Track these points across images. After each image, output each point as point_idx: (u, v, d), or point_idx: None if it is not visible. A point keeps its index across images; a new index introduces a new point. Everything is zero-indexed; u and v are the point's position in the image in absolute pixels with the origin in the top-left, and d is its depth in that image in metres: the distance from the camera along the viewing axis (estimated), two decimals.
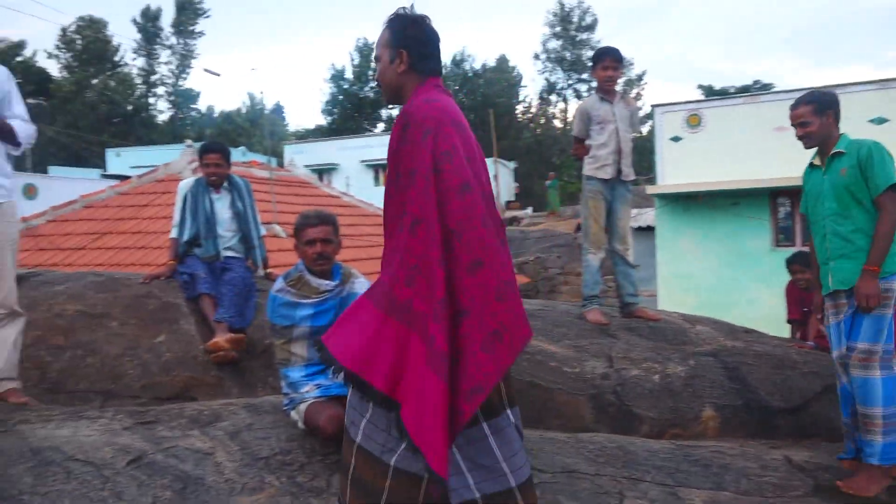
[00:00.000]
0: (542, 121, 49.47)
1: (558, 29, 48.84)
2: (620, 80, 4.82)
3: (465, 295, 1.93)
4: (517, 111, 49.69)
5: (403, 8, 2.32)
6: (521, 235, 21.95)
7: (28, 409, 3.20)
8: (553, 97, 51.20)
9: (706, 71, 76.74)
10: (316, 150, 35.08)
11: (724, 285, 12.03)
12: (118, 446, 2.71)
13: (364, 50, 50.10)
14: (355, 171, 33.02)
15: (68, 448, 2.62)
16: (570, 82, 49.97)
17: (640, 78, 47.60)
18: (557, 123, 50.32)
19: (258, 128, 46.07)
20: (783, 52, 75.69)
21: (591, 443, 3.35)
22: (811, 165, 3.47)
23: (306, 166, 28.90)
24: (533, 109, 51.00)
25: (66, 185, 15.90)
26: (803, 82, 50.25)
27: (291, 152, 33.78)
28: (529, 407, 3.75)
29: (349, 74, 50.53)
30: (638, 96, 45.96)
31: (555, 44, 49.20)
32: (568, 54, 48.70)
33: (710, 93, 39.06)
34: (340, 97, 50.56)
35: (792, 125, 3.41)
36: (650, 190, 13.14)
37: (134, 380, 3.95)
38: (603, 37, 47.95)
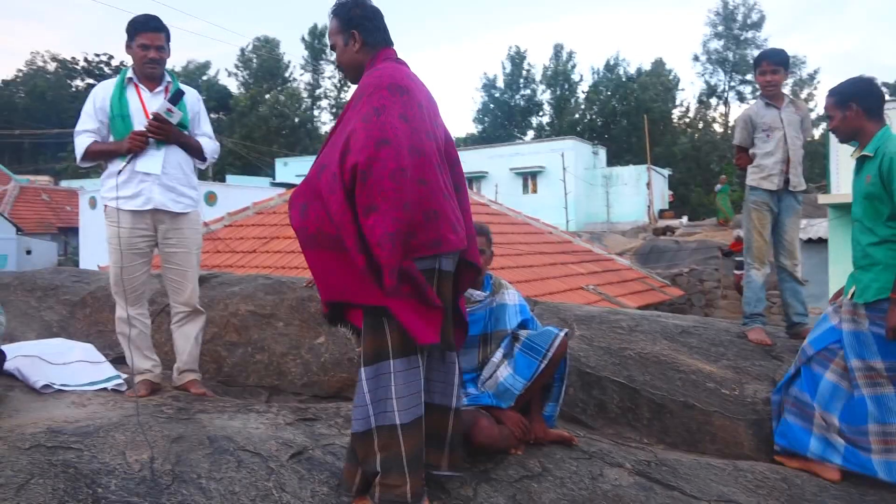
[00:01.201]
0: (700, 125, 47.13)
1: (720, 28, 46.41)
2: (787, 83, 4.48)
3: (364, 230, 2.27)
4: (673, 116, 47.71)
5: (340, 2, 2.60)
6: (675, 246, 20.98)
7: (206, 400, 3.52)
8: (713, 100, 48.70)
9: (890, 68, 69.57)
10: (466, 158, 35.37)
11: None
12: (282, 440, 2.91)
13: (516, 58, 50.35)
14: (504, 178, 33.23)
15: (239, 439, 2.85)
16: (733, 84, 47.30)
17: (812, 77, 44.16)
18: (717, 128, 47.76)
19: None
20: None
21: (751, 472, 3.14)
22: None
23: None
24: (690, 114, 48.77)
25: (240, 193, 17.32)
26: None
27: None
28: (683, 429, 3.58)
29: (500, 83, 50.98)
30: (809, 97, 42.52)
31: (716, 44, 46.86)
32: (731, 55, 46.14)
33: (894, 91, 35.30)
34: (491, 105, 51.15)
35: None
36: (822, 199, 12.09)
37: (296, 377, 4.23)
38: (770, 34, 44.97)
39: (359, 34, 2.54)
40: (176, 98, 3.45)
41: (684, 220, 29.79)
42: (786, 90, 4.35)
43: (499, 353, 3.15)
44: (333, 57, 2.74)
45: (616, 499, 2.80)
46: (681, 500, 2.85)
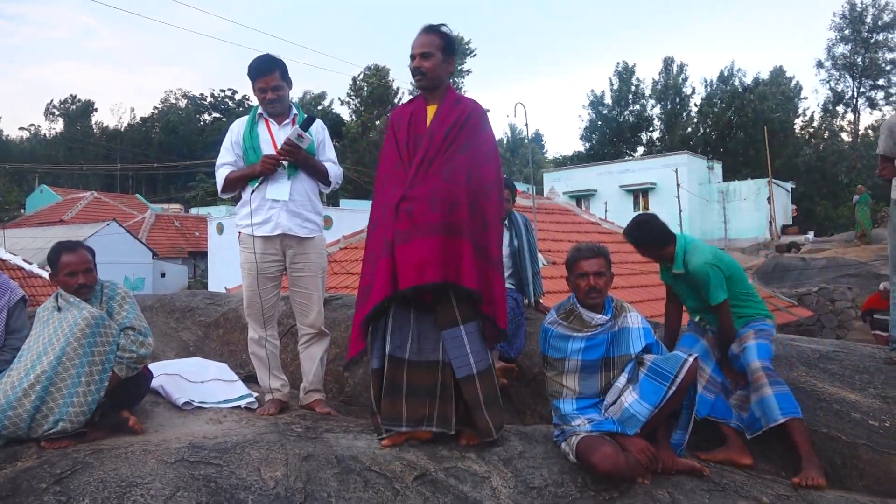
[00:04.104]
0: (826, 135, 44.25)
1: (847, 32, 43.54)
2: None
3: None
4: (795, 126, 45.10)
5: (444, 25, 3.23)
6: (801, 264, 19.72)
7: (331, 419, 3.63)
8: (840, 108, 45.67)
9: None
10: (574, 176, 35.27)
11: None
12: (405, 461, 2.94)
13: (624, 74, 49.39)
14: (614, 196, 32.55)
15: (365, 459, 2.91)
16: (863, 90, 44.18)
17: None
18: (845, 137, 44.66)
19: (518, 157, 47.59)
20: None
21: None
22: None
23: (565, 193, 29.20)
24: (815, 123, 45.92)
25: (354, 217, 17.93)
26: None
27: (550, 180, 34.38)
28: (826, 462, 3.32)
29: (608, 100, 50.14)
30: None
31: (843, 49, 43.97)
32: (859, 59, 43.13)
33: None
34: (599, 122, 50.36)
35: None
36: None
37: None
38: None
39: (454, 60, 3.29)
40: (307, 124, 3.62)
41: (810, 235, 28.00)
42: None
43: (623, 378, 3.06)
44: (414, 63, 3.20)
45: None
46: None
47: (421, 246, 2.98)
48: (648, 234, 3.61)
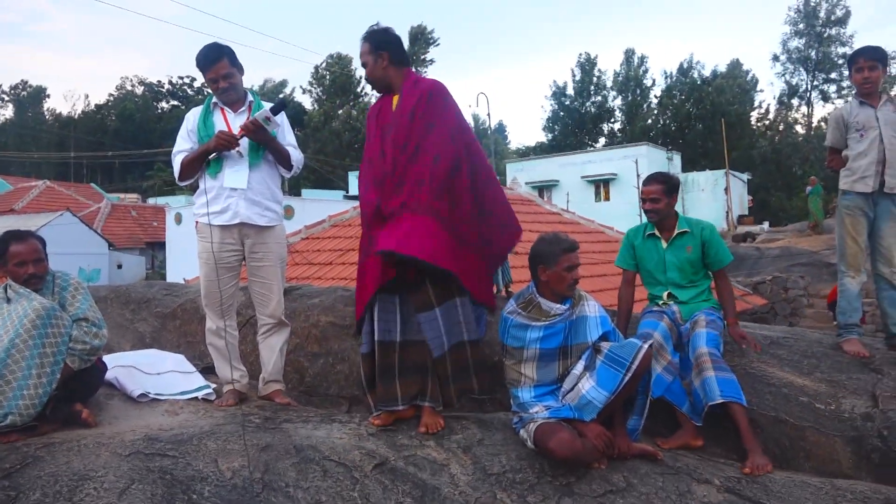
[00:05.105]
0: (781, 127, 45.32)
1: (801, 26, 44.56)
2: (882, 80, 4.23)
3: None
4: (751, 118, 46.08)
5: (374, 24, 3.42)
6: (756, 253, 20.21)
7: (291, 410, 3.61)
8: (794, 101, 46.78)
9: None
10: (537, 167, 35.49)
11: None
12: (365, 450, 2.95)
13: (586, 65, 49.79)
14: (576, 187, 32.85)
15: (325, 448, 2.90)
16: (816, 83, 45.30)
17: None
18: (799, 129, 45.81)
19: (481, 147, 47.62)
20: None
21: (851, 492, 2.97)
22: None
23: (527, 183, 29.36)
24: (770, 116, 46.99)
25: (316, 206, 17.80)
26: None
27: (513, 170, 34.52)
28: (774, 445, 3.43)
29: (570, 90, 50.52)
30: None
31: (797, 42, 44.99)
32: (813, 53, 44.20)
33: None
34: (561, 114, 50.74)
35: None
36: None
37: None
38: (857, 29, 42.81)
39: (386, 54, 3.32)
40: (277, 109, 3.58)
41: (765, 225, 28.69)
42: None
43: (580, 366, 3.11)
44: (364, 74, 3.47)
45: None
46: None
47: (393, 228, 3.11)
48: (677, 183, 3.95)
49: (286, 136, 3.78)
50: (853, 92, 4.23)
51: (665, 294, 3.84)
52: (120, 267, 28.26)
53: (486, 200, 3.35)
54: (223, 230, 3.60)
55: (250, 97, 3.77)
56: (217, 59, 3.58)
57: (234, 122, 3.67)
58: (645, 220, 4.01)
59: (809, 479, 3.12)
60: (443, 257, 3.06)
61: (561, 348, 3.15)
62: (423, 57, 50.74)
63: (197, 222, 3.69)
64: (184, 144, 3.70)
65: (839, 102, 41.74)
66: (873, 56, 4.01)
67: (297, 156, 3.78)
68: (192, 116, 3.74)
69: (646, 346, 3.03)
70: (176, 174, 3.74)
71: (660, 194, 3.82)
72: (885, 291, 4.09)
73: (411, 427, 3.25)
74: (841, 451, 3.37)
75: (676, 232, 3.83)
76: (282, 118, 3.78)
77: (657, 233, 3.90)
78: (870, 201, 4.02)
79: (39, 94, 67.39)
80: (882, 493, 2.97)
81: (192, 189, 3.79)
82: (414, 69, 3.47)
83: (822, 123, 44.18)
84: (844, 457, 3.36)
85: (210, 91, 3.72)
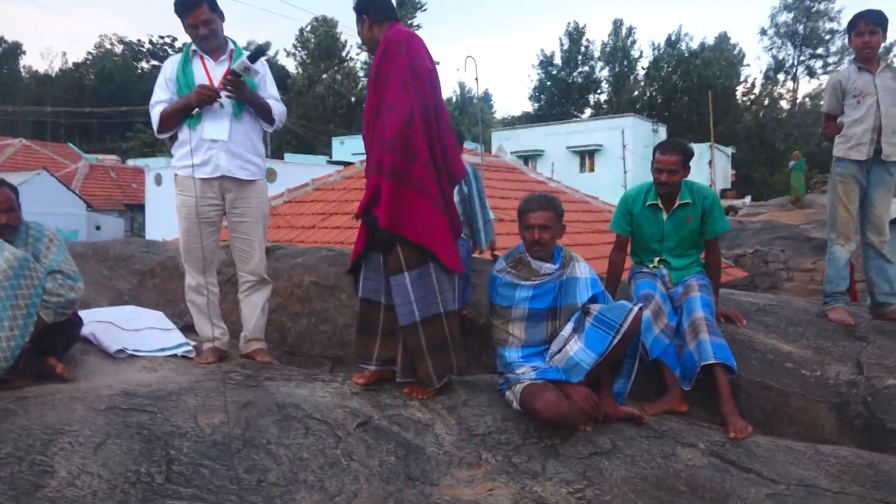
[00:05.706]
0: (766, 102, 45.39)
1: (790, 0, 44.36)
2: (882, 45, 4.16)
3: None
4: (737, 92, 46.08)
5: None
6: (738, 226, 20.31)
7: (272, 368, 3.55)
8: (780, 76, 46.82)
9: None
10: (522, 136, 35.27)
11: None
12: (348, 409, 2.90)
13: (574, 35, 49.35)
14: (561, 157, 32.71)
15: (307, 406, 2.85)
16: (803, 59, 45.30)
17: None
18: (784, 104, 45.92)
19: (467, 115, 47.38)
20: None
21: (834, 457, 2.98)
22: None
23: (513, 153, 29.21)
24: (756, 90, 47.01)
25: (299, 170, 17.51)
26: None
27: (499, 139, 34.29)
28: (759, 410, 3.43)
29: (557, 60, 50.12)
30: None
31: (786, 16, 44.87)
32: (801, 27, 44.11)
33: None
34: (548, 83, 50.40)
35: None
36: None
37: None
38: (844, 6, 42.60)
39: (367, 17, 3.20)
40: (255, 57, 3.43)
41: (748, 199, 28.84)
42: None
43: (568, 327, 3.07)
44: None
45: (690, 479, 2.70)
46: (758, 482, 2.73)
47: (368, 190, 3.08)
48: (692, 153, 3.76)
49: (267, 87, 3.64)
50: (851, 57, 4.17)
51: (657, 259, 3.78)
52: (98, 228, 27.83)
53: (447, 146, 3.18)
54: (203, 183, 3.48)
55: (231, 45, 3.62)
56: (197, 4, 3.43)
57: (214, 71, 3.52)
58: (636, 186, 3.90)
59: (793, 444, 3.12)
60: (405, 224, 2.99)
61: (550, 309, 3.10)
62: (409, 22, 49.88)
63: (176, 175, 3.56)
64: (162, 94, 3.55)
65: (825, 78, 41.87)
66: (874, 20, 3.93)
67: (279, 108, 3.64)
68: (171, 65, 3.58)
69: (636, 308, 2.99)
70: (154, 126, 3.59)
71: (678, 165, 3.58)
72: (873, 260, 4.08)
73: (395, 387, 3.20)
74: (825, 417, 3.38)
75: (678, 203, 3.67)
76: (263, 67, 3.63)
77: (659, 203, 3.71)
78: (864, 169, 3.99)
79: (15, 50, 65.47)
80: (864, 459, 2.98)
81: (171, 141, 3.65)
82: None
83: (807, 99, 44.33)
84: (828, 422, 3.37)
85: (189, 38, 3.56)
